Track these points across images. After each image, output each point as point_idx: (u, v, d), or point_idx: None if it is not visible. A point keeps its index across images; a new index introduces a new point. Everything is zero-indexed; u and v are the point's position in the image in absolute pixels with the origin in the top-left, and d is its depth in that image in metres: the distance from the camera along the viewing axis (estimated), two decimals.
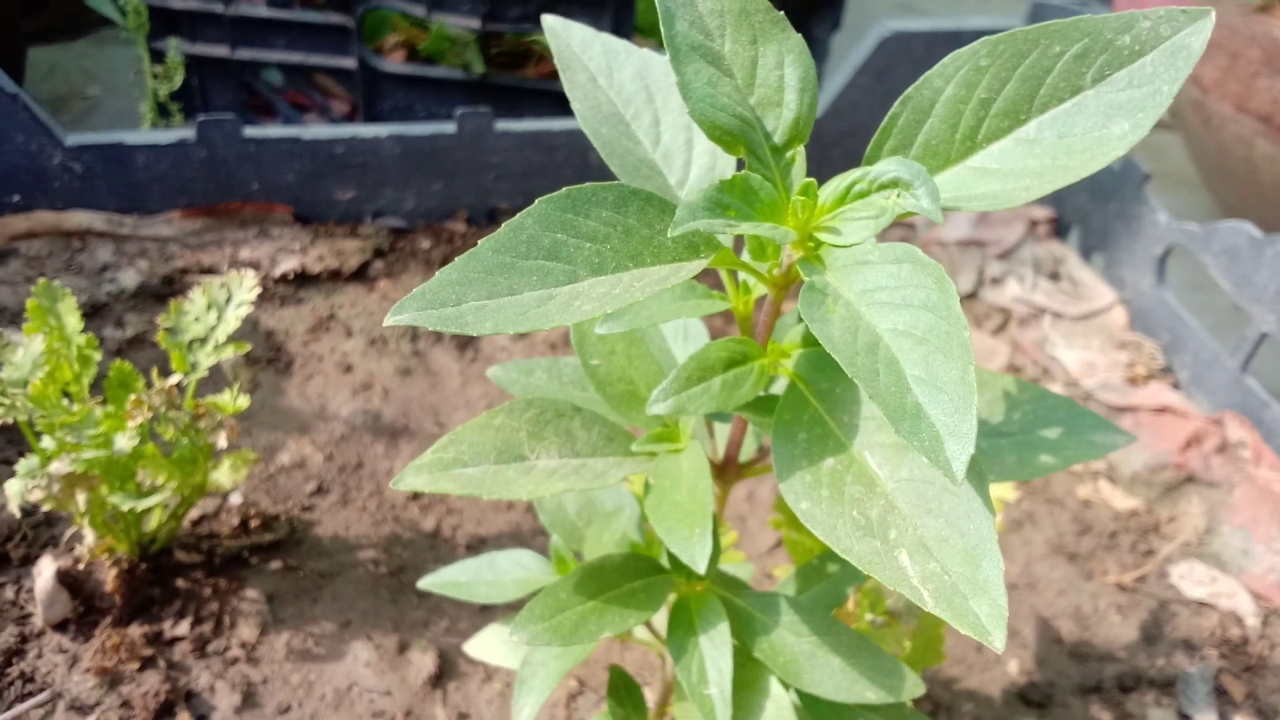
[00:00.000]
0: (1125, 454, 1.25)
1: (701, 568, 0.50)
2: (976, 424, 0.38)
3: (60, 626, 0.90)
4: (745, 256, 0.51)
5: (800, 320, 0.54)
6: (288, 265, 1.26)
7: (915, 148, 0.49)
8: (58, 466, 0.82)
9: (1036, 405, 0.61)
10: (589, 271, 0.44)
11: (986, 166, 0.48)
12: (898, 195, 0.45)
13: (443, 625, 0.97)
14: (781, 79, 0.47)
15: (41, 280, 0.84)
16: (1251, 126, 1.69)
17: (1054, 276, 1.51)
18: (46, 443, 0.84)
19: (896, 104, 0.48)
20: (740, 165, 0.49)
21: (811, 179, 0.47)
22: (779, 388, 0.58)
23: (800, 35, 0.47)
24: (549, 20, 0.58)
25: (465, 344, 1.28)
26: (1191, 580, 1.13)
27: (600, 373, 0.60)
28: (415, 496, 1.10)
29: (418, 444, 1.15)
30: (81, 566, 0.90)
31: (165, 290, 1.23)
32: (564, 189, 0.44)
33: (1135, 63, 0.47)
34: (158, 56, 1.47)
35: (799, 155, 0.48)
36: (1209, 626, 1.09)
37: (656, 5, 0.45)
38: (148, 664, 0.89)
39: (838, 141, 1.50)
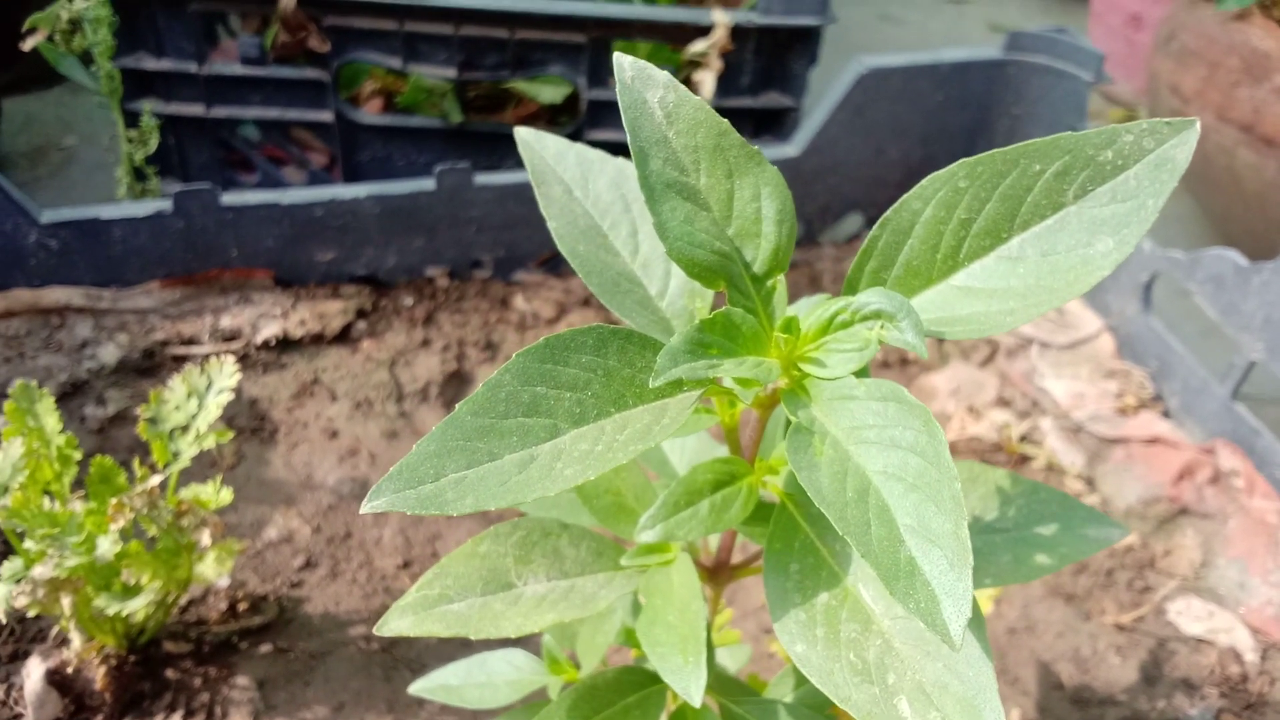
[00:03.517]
0: (1119, 487, 1.25)
1: (696, 700, 0.49)
2: (972, 583, 0.38)
3: None
4: (729, 382, 0.50)
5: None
6: (269, 331, 1.25)
7: (897, 267, 0.48)
8: (41, 571, 0.80)
9: (1030, 500, 0.60)
10: (570, 423, 0.43)
11: (970, 285, 0.47)
12: (881, 327, 0.44)
13: (437, 704, 0.96)
14: (759, 211, 0.46)
15: (19, 382, 0.83)
16: (1233, 136, 1.69)
17: None
18: (30, 543, 0.83)
19: (876, 226, 0.47)
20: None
21: (794, 314, 0.46)
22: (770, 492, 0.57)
23: (776, 169, 0.46)
24: (521, 133, 0.57)
25: (452, 401, 1.27)
26: (1189, 616, 1.13)
27: (586, 486, 0.59)
28: (405, 565, 1.09)
29: None
30: (70, 669, 0.89)
31: (146, 364, 1.21)
32: (542, 339, 0.43)
33: (1118, 177, 0.46)
34: (132, 118, 1.46)
35: (780, 284, 0.48)
36: (1208, 664, 1.08)
37: (630, 144, 0.45)
38: None
39: (819, 178, 1.50)
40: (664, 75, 0.46)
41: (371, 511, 0.38)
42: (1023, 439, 1.31)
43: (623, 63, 0.45)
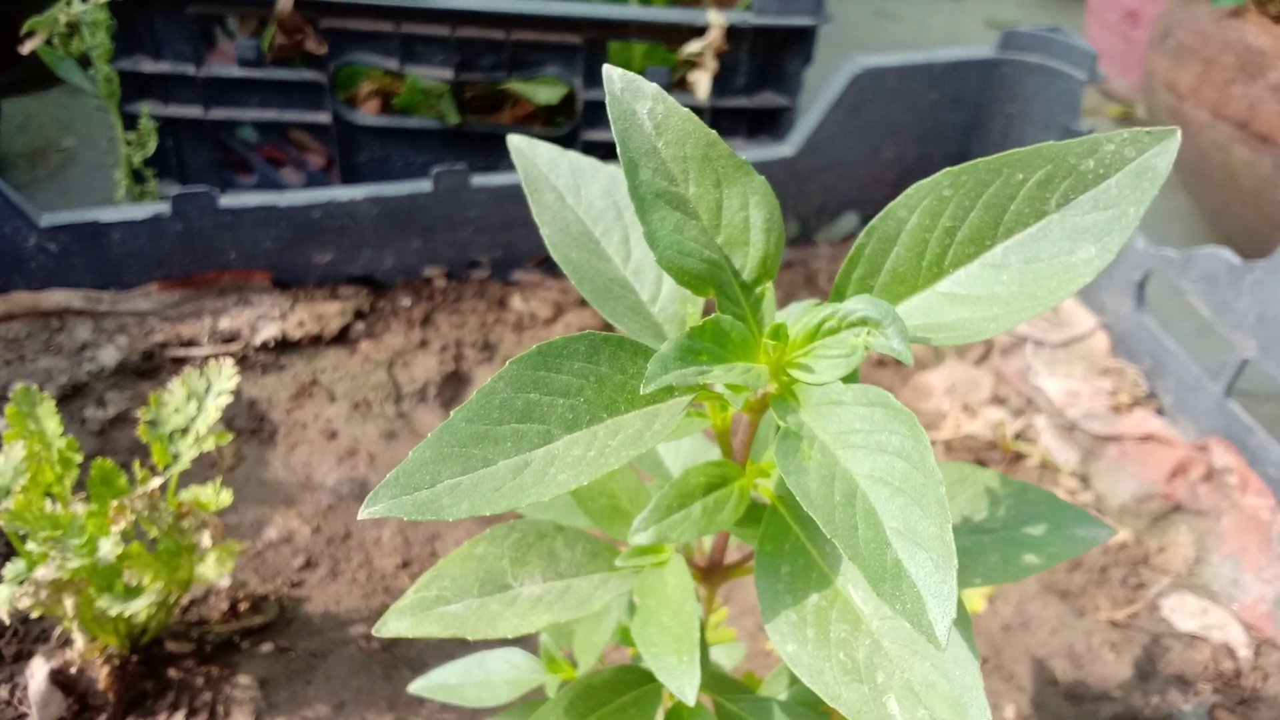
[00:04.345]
0: (1113, 485, 1.26)
1: (690, 699, 0.50)
2: (956, 585, 0.39)
3: None
4: (720, 387, 0.51)
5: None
6: (268, 332, 1.26)
7: (883, 274, 0.49)
8: (44, 572, 0.81)
9: (1018, 500, 0.61)
10: (563, 429, 0.44)
11: (954, 292, 0.48)
12: (868, 333, 0.45)
13: (437, 703, 0.97)
14: (747, 219, 0.47)
15: (20, 386, 0.84)
16: (1228, 133, 1.69)
17: None
18: (32, 545, 0.84)
19: (862, 234, 0.48)
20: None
21: (782, 321, 0.47)
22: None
23: (764, 178, 0.47)
24: (514, 140, 0.58)
25: (450, 401, 1.28)
26: (1183, 613, 1.14)
27: (581, 490, 0.60)
28: (405, 564, 1.10)
29: None
30: (74, 669, 0.90)
31: (146, 366, 1.22)
32: (535, 347, 0.44)
33: (1100, 185, 0.47)
34: (131, 120, 1.47)
35: (768, 291, 0.48)
36: (1202, 660, 1.09)
37: (619, 155, 0.45)
38: None
39: (814, 177, 1.51)
40: (653, 87, 0.47)
41: (370, 517, 0.39)
42: (1017, 437, 1.32)
43: (612, 75, 0.46)
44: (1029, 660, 1.08)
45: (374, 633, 0.52)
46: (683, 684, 0.51)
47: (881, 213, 0.48)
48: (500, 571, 0.56)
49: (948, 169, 0.47)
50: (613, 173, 0.58)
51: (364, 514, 0.39)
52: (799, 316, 0.48)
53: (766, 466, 0.55)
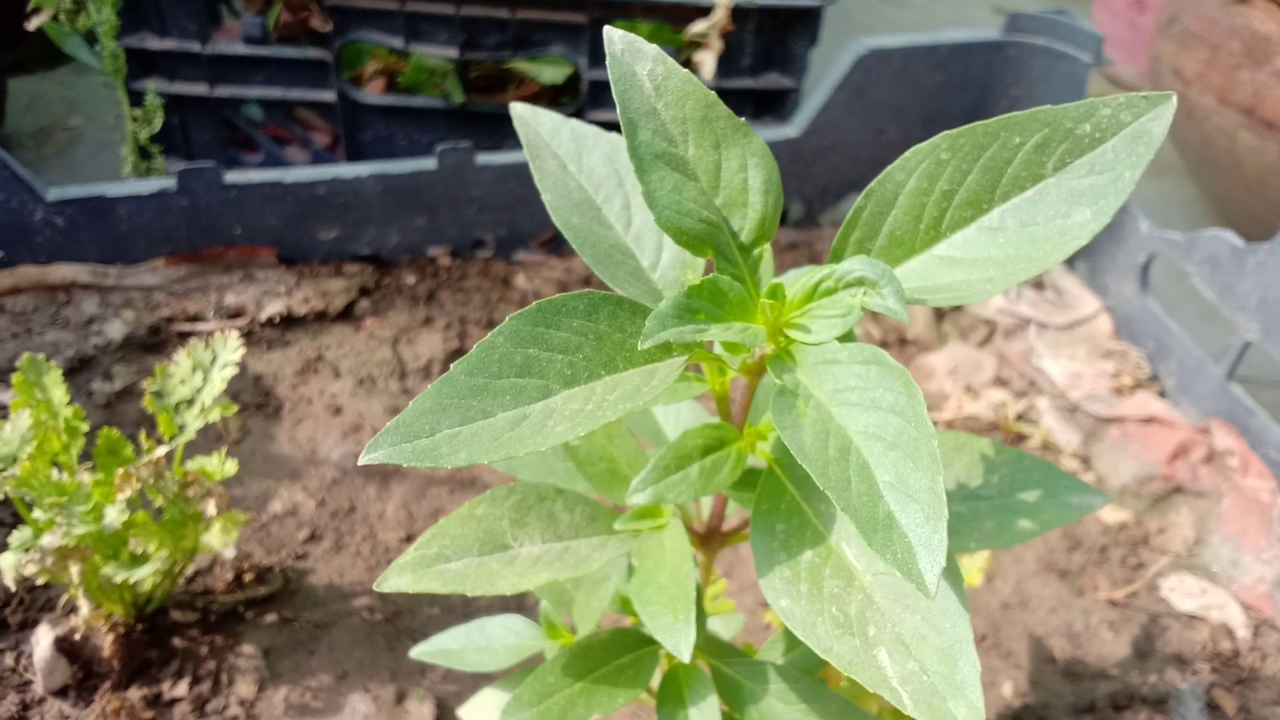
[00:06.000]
0: (1114, 466, 1.26)
1: (685, 656, 0.51)
2: (947, 536, 0.39)
3: (60, 693, 0.90)
4: (718, 348, 0.52)
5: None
6: (274, 308, 1.27)
7: (881, 237, 0.49)
8: (50, 540, 0.82)
9: (1013, 468, 0.61)
10: (562, 384, 0.45)
11: (951, 255, 0.49)
12: (864, 293, 0.46)
13: (439, 672, 0.98)
14: (745, 181, 0.48)
15: (26, 355, 0.85)
16: (1234, 119, 1.69)
17: (1038, 285, 1.51)
18: (38, 513, 0.85)
19: (861, 197, 0.49)
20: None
21: (780, 281, 0.47)
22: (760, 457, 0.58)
23: (762, 140, 0.47)
24: (517, 108, 0.58)
25: None
26: (1182, 593, 1.14)
27: (580, 453, 0.60)
28: (408, 538, 1.11)
29: (409, 485, 1.15)
30: (79, 637, 0.90)
31: (152, 340, 1.23)
32: (535, 303, 0.45)
33: (1096, 149, 0.47)
34: (137, 97, 1.47)
35: (766, 252, 0.49)
36: (1200, 640, 1.10)
37: (619, 116, 0.46)
38: None
39: (819, 158, 1.51)
40: (653, 48, 0.47)
41: (369, 463, 0.40)
42: (1019, 418, 1.32)
43: (612, 36, 0.47)
44: (1027, 638, 1.08)
45: (375, 588, 0.53)
46: (679, 642, 0.52)
47: (880, 176, 0.48)
48: (500, 532, 0.56)
49: (946, 132, 0.48)
50: (614, 141, 0.58)
51: (364, 460, 0.40)
52: (797, 278, 0.49)
53: (764, 430, 0.55)
